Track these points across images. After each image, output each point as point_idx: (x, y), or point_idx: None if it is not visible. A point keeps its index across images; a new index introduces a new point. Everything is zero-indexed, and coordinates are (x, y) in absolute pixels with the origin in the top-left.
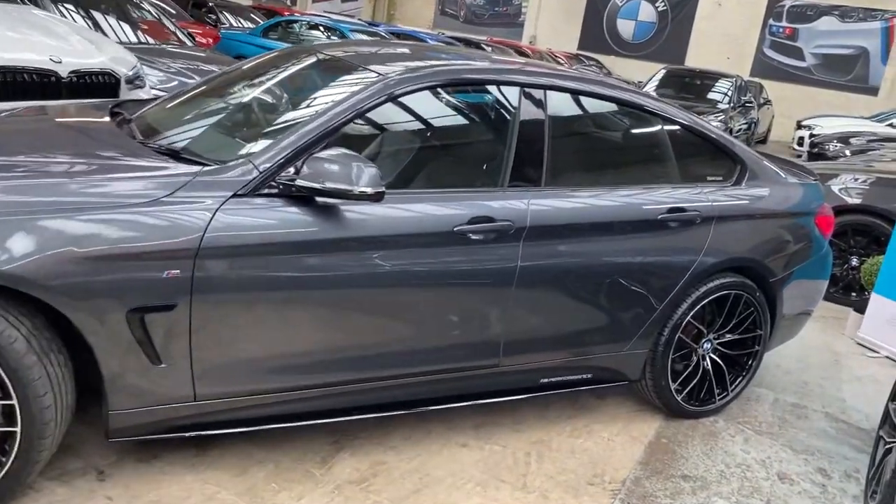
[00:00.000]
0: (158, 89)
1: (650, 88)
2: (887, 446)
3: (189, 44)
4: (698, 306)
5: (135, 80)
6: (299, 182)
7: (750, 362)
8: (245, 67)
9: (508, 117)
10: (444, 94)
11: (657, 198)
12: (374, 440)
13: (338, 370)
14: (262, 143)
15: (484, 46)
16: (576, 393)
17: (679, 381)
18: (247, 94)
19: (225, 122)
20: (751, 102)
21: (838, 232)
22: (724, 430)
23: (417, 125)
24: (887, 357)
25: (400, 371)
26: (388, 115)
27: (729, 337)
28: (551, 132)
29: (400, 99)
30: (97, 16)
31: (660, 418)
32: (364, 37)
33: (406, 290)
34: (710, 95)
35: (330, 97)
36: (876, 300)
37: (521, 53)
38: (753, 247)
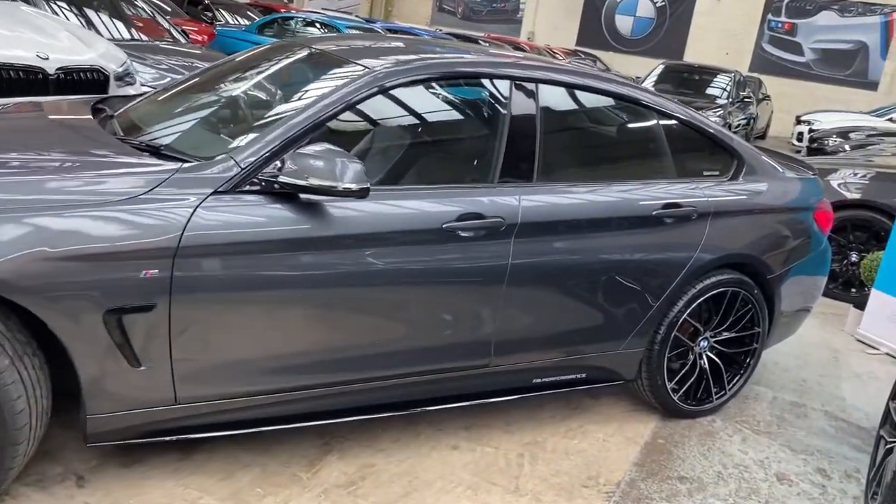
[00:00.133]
0: (150, 86)
1: (649, 84)
2: (888, 446)
3: (183, 41)
4: (695, 304)
5: (125, 77)
6: (282, 178)
7: (748, 360)
8: (231, 63)
9: (499, 111)
10: (433, 88)
11: (652, 193)
12: (363, 442)
13: (323, 372)
14: (244, 139)
15: (481, 43)
16: (570, 393)
17: (675, 380)
18: (231, 89)
19: (207, 118)
20: (749, 98)
21: (838, 227)
22: (721, 430)
23: (405, 120)
24: (887, 354)
25: (388, 372)
26: (375, 109)
27: (726, 335)
28: (543, 126)
29: (388, 93)
30: (90, 13)
31: (656, 418)
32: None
33: (393, 289)
34: (709, 91)
35: (316, 92)
36: (876, 296)
37: (519, 49)
38: (751, 243)
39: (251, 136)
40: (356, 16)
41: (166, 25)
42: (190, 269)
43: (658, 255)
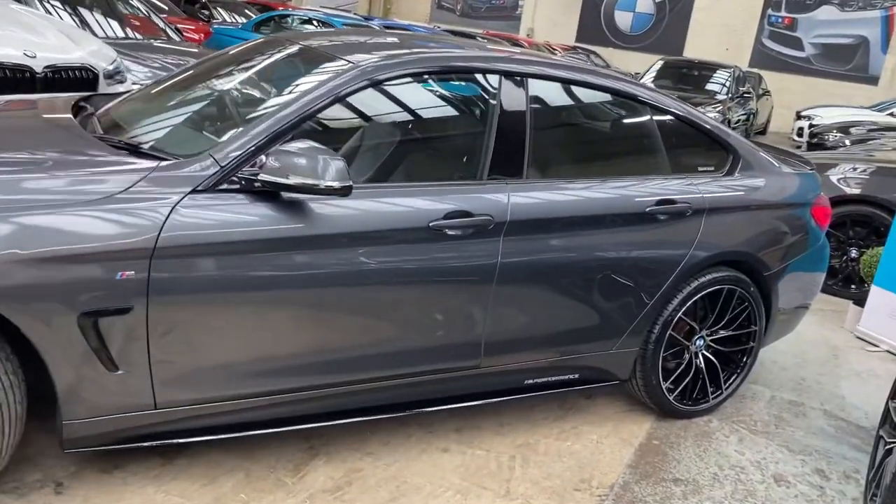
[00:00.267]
0: (141, 84)
1: (648, 80)
2: (888, 447)
3: (177, 39)
4: (690, 302)
5: (115, 75)
6: (263, 176)
7: (744, 359)
8: (215, 59)
9: (488, 106)
10: (420, 83)
11: (645, 189)
12: (351, 445)
13: (307, 374)
14: (224, 136)
15: (479, 40)
16: (563, 393)
17: (671, 379)
18: (214, 86)
19: (189, 115)
20: (749, 93)
21: (837, 223)
22: (717, 430)
23: (391, 116)
24: (888, 351)
25: (374, 374)
26: (361, 105)
27: (722, 333)
28: (533, 122)
29: (375, 87)
30: (83, 12)
31: (651, 418)
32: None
33: (379, 289)
34: (709, 86)
35: (300, 88)
36: (876, 293)
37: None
38: (747, 239)
39: (231, 133)
40: (354, 13)
41: (161, 24)
42: (168, 270)
43: (652, 252)
